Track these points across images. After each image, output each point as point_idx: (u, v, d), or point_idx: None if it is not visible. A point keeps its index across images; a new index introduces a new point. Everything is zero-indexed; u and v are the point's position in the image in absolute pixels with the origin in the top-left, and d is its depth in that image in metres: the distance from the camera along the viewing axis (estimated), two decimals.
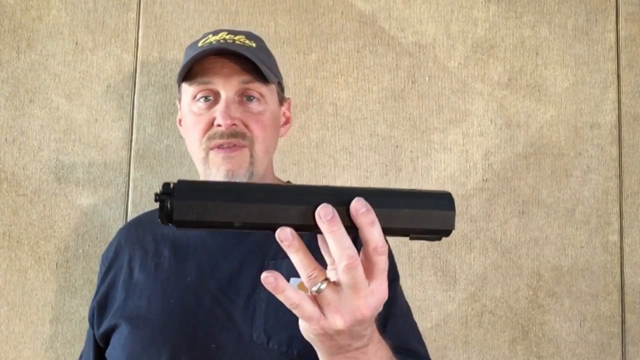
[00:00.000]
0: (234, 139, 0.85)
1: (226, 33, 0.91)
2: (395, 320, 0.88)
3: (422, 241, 1.31)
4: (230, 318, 0.82)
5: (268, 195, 0.52)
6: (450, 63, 1.35)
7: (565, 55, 1.37)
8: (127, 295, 0.88)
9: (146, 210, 1.27)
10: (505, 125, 1.35)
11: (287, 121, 0.99)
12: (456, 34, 1.36)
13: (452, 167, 1.33)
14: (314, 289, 0.50)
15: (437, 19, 1.36)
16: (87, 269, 1.24)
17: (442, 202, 0.54)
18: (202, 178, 0.92)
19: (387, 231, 0.51)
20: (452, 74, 1.35)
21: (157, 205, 0.52)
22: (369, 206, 0.49)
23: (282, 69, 1.31)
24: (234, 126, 0.85)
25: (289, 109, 1.00)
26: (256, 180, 0.89)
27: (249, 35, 0.93)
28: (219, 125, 0.85)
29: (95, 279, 1.24)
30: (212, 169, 0.87)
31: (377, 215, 0.50)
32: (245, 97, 0.88)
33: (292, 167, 1.29)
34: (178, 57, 1.29)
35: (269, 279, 0.50)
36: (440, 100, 1.34)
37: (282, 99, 0.97)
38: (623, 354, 1.32)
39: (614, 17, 1.39)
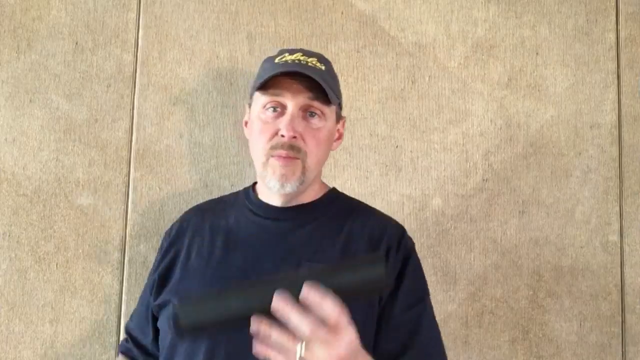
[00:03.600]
0: (291, 151, 0.96)
1: (301, 54, 1.01)
2: (415, 353, 0.93)
3: (422, 241, 1.31)
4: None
5: (242, 292, 0.71)
6: (450, 63, 1.35)
7: (565, 55, 1.37)
8: (182, 276, 0.99)
9: (146, 208, 1.27)
10: (505, 125, 1.35)
11: (340, 137, 1.09)
12: (456, 34, 1.36)
13: (452, 167, 1.33)
14: (297, 355, 0.66)
15: (437, 19, 1.36)
16: (87, 269, 1.24)
17: (372, 267, 0.69)
18: (258, 178, 1.05)
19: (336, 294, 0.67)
20: (452, 74, 1.35)
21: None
22: (314, 293, 0.66)
23: None
24: (294, 139, 0.96)
25: (343, 126, 1.09)
26: (305, 186, 0.99)
27: (321, 59, 1.04)
28: (282, 136, 0.96)
29: (95, 280, 1.24)
30: (269, 172, 0.97)
31: (323, 288, 0.66)
32: (308, 112, 0.98)
33: None
34: (178, 57, 1.29)
35: (279, 304, 0.66)
36: (440, 100, 1.34)
37: (339, 117, 1.07)
38: (623, 354, 1.32)
39: (614, 17, 1.39)
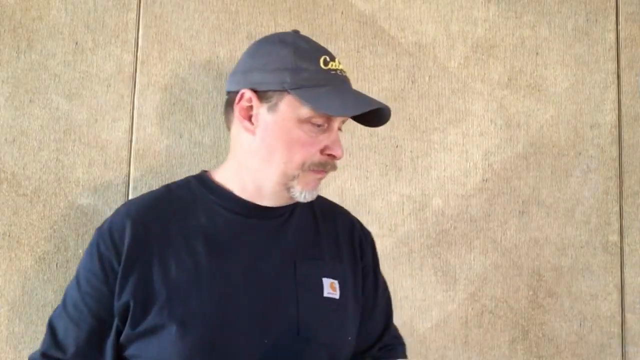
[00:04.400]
0: (331, 169, 0.94)
1: (338, 62, 0.96)
2: (380, 309, 1.07)
3: (422, 240, 1.31)
4: (277, 316, 0.90)
5: None
6: (450, 63, 1.35)
7: (565, 55, 1.37)
8: (170, 296, 0.87)
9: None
10: (505, 125, 1.35)
11: None
12: (456, 34, 1.36)
13: (452, 167, 1.33)
14: None
15: (437, 19, 1.36)
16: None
17: None
18: (273, 184, 0.93)
19: None
20: (452, 74, 1.35)
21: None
22: None
23: None
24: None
25: None
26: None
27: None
28: (332, 156, 0.92)
29: None
30: (301, 184, 0.92)
31: None
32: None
33: None
34: (178, 57, 1.29)
35: None
36: (440, 100, 1.34)
37: None
38: (623, 354, 1.32)
39: (614, 17, 1.39)
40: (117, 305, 0.89)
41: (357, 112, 0.90)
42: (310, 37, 1.32)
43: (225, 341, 0.87)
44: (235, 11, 1.31)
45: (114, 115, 1.27)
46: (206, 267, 0.89)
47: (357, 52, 1.33)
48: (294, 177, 0.91)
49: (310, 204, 1.00)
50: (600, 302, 1.32)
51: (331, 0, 1.34)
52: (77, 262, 1.24)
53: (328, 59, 0.93)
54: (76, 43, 1.27)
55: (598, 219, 1.35)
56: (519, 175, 1.34)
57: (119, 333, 0.90)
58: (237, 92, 0.94)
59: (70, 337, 0.92)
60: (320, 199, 1.06)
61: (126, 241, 0.90)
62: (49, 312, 1.22)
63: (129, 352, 0.89)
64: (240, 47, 1.31)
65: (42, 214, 1.23)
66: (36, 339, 1.22)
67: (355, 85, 1.32)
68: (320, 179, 0.94)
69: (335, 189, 1.29)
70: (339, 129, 0.95)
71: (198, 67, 1.30)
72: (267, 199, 0.95)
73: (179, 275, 0.88)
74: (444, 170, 1.33)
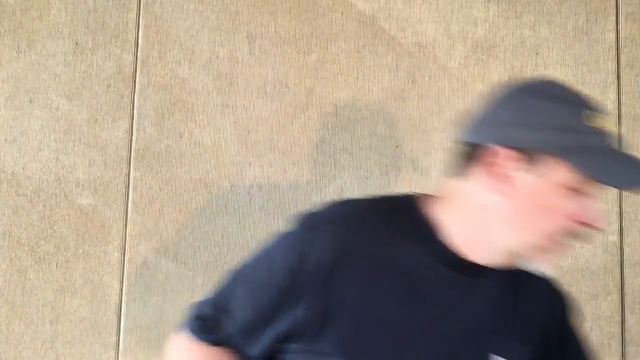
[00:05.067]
0: (579, 240, 0.81)
1: (604, 116, 0.80)
2: None
3: None
4: None
5: None
6: (450, 63, 1.35)
7: (565, 55, 1.37)
8: (356, 328, 0.79)
9: (146, 208, 1.26)
10: None
11: None
12: (456, 34, 1.36)
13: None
14: None
15: (437, 19, 1.36)
16: (87, 269, 1.24)
17: None
18: (510, 250, 0.81)
19: None
20: (452, 74, 1.35)
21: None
22: None
23: (282, 69, 1.31)
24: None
25: None
26: None
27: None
28: (589, 225, 0.77)
29: (95, 280, 1.24)
30: (540, 256, 0.80)
31: None
32: None
33: (292, 167, 1.29)
34: (178, 57, 1.29)
35: None
36: (440, 100, 1.34)
37: None
38: (623, 354, 1.32)
39: (614, 17, 1.39)
40: (295, 312, 0.80)
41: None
42: (310, 37, 1.33)
43: None
44: (235, 11, 1.31)
45: (114, 115, 1.27)
46: (397, 310, 0.80)
47: (357, 52, 1.33)
48: (538, 251, 0.79)
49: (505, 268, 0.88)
50: (600, 302, 1.32)
51: (331, 0, 1.34)
52: (77, 262, 1.24)
53: (591, 113, 0.78)
54: (76, 43, 1.27)
55: None
56: None
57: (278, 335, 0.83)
58: (486, 146, 0.79)
59: (241, 310, 0.85)
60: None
61: (330, 254, 0.80)
62: (49, 312, 1.22)
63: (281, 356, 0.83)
64: (240, 47, 1.31)
65: (42, 214, 1.23)
66: (36, 338, 1.22)
67: (355, 85, 1.32)
68: (565, 250, 0.80)
69: (335, 189, 1.29)
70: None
71: (198, 67, 1.30)
72: (484, 258, 0.82)
73: (371, 308, 0.79)
74: (444, 170, 1.33)
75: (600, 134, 0.77)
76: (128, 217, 1.26)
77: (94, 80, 1.27)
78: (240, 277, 0.88)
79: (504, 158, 0.78)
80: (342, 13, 1.34)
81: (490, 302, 0.85)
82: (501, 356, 0.83)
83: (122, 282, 1.25)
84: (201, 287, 1.24)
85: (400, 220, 0.84)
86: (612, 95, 1.37)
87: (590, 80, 1.37)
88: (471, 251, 0.82)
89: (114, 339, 1.24)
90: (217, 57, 1.30)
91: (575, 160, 0.75)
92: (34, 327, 1.21)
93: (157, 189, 1.27)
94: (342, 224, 0.82)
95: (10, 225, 1.23)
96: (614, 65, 1.38)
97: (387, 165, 1.32)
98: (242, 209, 1.27)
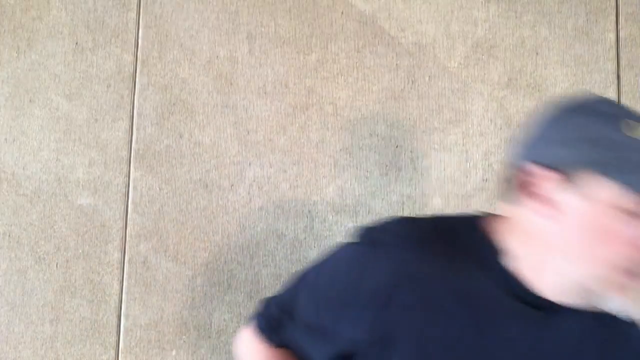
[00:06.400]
0: None
1: None
2: None
3: None
4: None
5: None
6: (450, 63, 1.35)
7: (565, 55, 1.37)
8: (418, 354, 0.73)
9: (146, 208, 1.26)
10: (505, 125, 1.35)
11: None
12: (456, 34, 1.36)
13: (452, 167, 1.33)
14: None
15: (437, 19, 1.36)
16: (87, 269, 1.24)
17: None
18: (567, 280, 0.72)
19: None
20: (452, 74, 1.35)
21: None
22: None
23: (282, 69, 1.31)
24: None
25: None
26: None
27: None
28: None
29: (95, 280, 1.24)
30: (611, 290, 0.70)
31: None
32: None
33: (292, 167, 1.29)
34: (178, 57, 1.29)
35: None
36: (440, 100, 1.34)
37: None
38: None
39: (614, 17, 1.39)
40: (354, 328, 0.77)
41: None
42: (310, 37, 1.33)
43: None
44: (235, 11, 1.31)
45: (114, 115, 1.27)
46: (463, 342, 0.73)
47: (357, 52, 1.33)
48: (611, 280, 0.69)
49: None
50: None
51: (331, 0, 1.34)
52: (77, 262, 1.24)
53: (633, 123, 0.70)
54: (76, 43, 1.27)
55: None
56: None
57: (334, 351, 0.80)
58: (522, 167, 0.74)
59: (304, 314, 0.83)
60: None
61: (381, 282, 0.76)
62: (49, 312, 1.22)
63: None
64: (240, 47, 1.31)
65: (42, 214, 1.23)
66: (36, 339, 1.22)
67: (355, 85, 1.32)
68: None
69: (335, 189, 1.29)
70: None
71: (198, 67, 1.30)
72: (555, 291, 0.74)
73: (434, 344, 0.74)
74: (444, 170, 1.33)
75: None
76: (128, 217, 1.26)
77: (94, 80, 1.27)
78: (303, 283, 0.85)
79: (540, 178, 0.71)
80: (342, 13, 1.34)
81: (568, 343, 0.75)
82: None
83: (122, 282, 1.25)
84: (201, 287, 1.25)
85: (462, 242, 0.77)
86: (612, 95, 1.37)
87: (590, 80, 1.37)
88: (540, 282, 0.74)
89: (114, 339, 1.24)
90: (217, 57, 1.30)
91: (619, 176, 0.66)
92: (34, 327, 1.21)
93: (157, 189, 1.27)
94: (403, 245, 0.77)
95: (10, 225, 1.23)
96: (614, 65, 1.38)
97: (387, 165, 1.32)
98: (242, 209, 1.27)
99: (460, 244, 0.77)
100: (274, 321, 0.87)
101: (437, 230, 0.79)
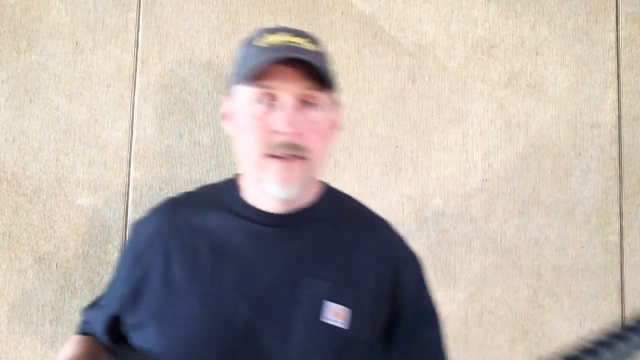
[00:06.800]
0: (293, 150, 0.83)
1: (288, 34, 0.87)
2: None
3: (422, 240, 1.31)
4: (264, 331, 0.83)
5: None
6: (450, 63, 1.35)
7: (565, 55, 1.37)
8: (162, 293, 0.86)
9: (146, 208, 1.26)
10: (505, 125, 1.35)
11: (338, 126, 0.96)
12: (456, 34, 1.36)
13: (452, 167, 1.33)
14: None
15: (437, 19, 1.36)
16: (87, 269, 1.24)
17: None
18: (249, 180, 0.90)
19: None
20: (452, 74, 1.35)
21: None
22: None
23: None
24: (293, 135, 0.83)
25: (339, 113, 0.97)
26: (304, 188, 0.88)
27: (311, 38, 0.89)
28: (278, 132, 0.82)
29: (95, 280, 1.24)
30: (268, 176, 0.84)
31: None
32: (305, 103, 0.85)
33: None
34: (178, 57, 1.29)
35: None
36: (440, 100, 1.34)
37: (336, 105, 0.94)
38: None
39: (614, 17, 1.39)
40: (119, 293, 0.92)
41: (269, 60, 0.81)
42: None
43: (203, 350, 0.82)
44: (235, 11, 1.31)
45: (114, 115, 1.27)
46: (205, 269, 0.86)
47: (357, 52, 1.33)
48: (260, 167, 0.84)
49: (342, 215, 0.93)
50: (600, 302, 1.32)
51: (331, 0, 1.34)
52: (77, 262, 1.24)
53: (269, 35, 0.86)
54: (76, 43, 1.27)
55: (598, 219, 1.35)
56: (519, 175, 1.34)
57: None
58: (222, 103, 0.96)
59: (104, 310, 0.98)
60: (360, 211, 0.98)
61: (142, 235, 0.93)
62: (49, 312, 1.22)
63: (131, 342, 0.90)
64: None
65: (42, 214, 1.23)
66: (36, 339, 1.22)
67: (355, 85, 1.32)
68: (285, 168, 0.83)
69: None
70: (308, 104, 0.85)
71: (198, 67, 1.30)
72: (269, 203, 0.89)
73: (177, 274, 0.86)
74: (444, 170, 1.33)
75: (267, 47, 0.84)
76: (128, 217, 1.26)
77: (94, 80, 1.27)
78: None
79: (223, 103, 0.93)
80: (342, 13, 1.34)
81: (305, 249, 0.88)
82: (337, 302, 0.85)
83: None
84: None
85: (217, 197, 0.94)
86: (612, 95, 1.37)
87: (590, 80, 1.37)
88: (254, 198, 0.90)
89: None
90: (217, 57, 1.30)
91: (240, 78, 0.85)
92: (34, 327, 1.21)
93: (157, 189, 1.27)
94: (158, 212, 0.96)
95: (10, 225, 1.23)
96: (614, 65, 1.38)
97: (387, 165, 1.32)
98: None
99: (215, 199, 0.93)
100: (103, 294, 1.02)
101: (190, 197, 0.98)
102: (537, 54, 1.37)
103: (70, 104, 1.26)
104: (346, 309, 0.85)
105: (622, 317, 1.33)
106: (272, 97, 0.84)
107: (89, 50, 1.27)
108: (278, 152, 0.83)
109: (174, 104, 1.28)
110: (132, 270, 0.91)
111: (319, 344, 0.83)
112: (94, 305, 1.03)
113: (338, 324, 0.84)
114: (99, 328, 0.96)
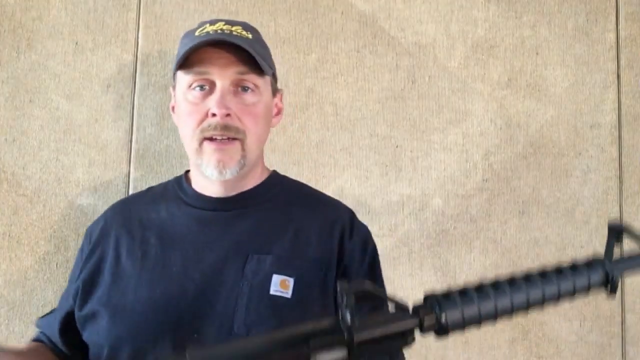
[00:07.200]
0: (227, 132, 0.87)
1: (224, 23, 0.92)
2: None
3: (422, 240, 1.31)
4: (212, 309, 0.85)
5: None
6: (450, 63, 1.35)
7: (565, 55, 1.37)
8: (112, 282, 0.89)
9: None
10: (505, 125, 1.35)
11: (279, 112, 1.00)
12: (456, 34, 1.36)
13: (452, 167, 1.33)
14: None
15: (437, 19, 1.36)
16: None
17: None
18: (192, 167, 0.96)
19: None
20: (452, 74, 1.35)
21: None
22: None
23: (282, 69, 1.31)
24: (227, 117, 0.87)
25: (281, 99, 1.01)
26: (246, 170, 0.92)
27: (246, 26, 0.94)
28: (213, 115, 0.87)
29: None
30: (204, 159, 0.89)
31: None
32: (240, 87, 0.90)
33: (292, 167, 1.29)
34: None
35: None
36: (440, 100, 1.34)
37: (275, 90, 0.98)
38: (623, 354, 1.32)
39: (614, 17, 1.39)
40: (73, 288, 0.94)
41: (197, 43, 0.86)
42: (310, 37, 1.33)
43: (152, 332, 0.84)
44: (235, 11, 1.31)
45: (114, 115, 1.27)
46: (152, 257, 0.89)
47: (357, 52, 1.33)
48: (198, 152, 0.89)
49: (288, 196, 0.97)
50: (600, 302, 1.32)
51: (331, 0, 1.34)
52: None
53: (208, 25, 0.92)
54: (76, 43, 1.27)
55: (598, 219, 1.34)
56: (519, 175, 1.34)
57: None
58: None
59: (57, 311, 0.99)
60: (308, 193, 1.02)
61: (95, 232, 0.97)
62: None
63: (84, 338, 0.91)
64: None
65: (42, 214, 1.23)
66: None
67: (355, 85, 1.32)
68: (220, 150, 0.87)
69: (335, 189, 1.29)
70: (243, 88, 0.89)
71: None
72: (212, 187, 0.93)
73: (126, 264, 0.90)
74: (444, 170, 1.33)
75: (203, 35, 0.88)
76: None
77: (94, 80, 1.27)
78: None
79: (172, 95, 0.97)
80: (342, 13, 1.34)
81: (251, 229, 0.91)
82: (281, 274, 0.88)
83: None
84: None
85: (162, 190, 0.99)
86: (612, 95, 1.37)
87: (590, 80, 1.37)
88: (203, 187, 0.93)
89: None
90: None
91: (177, 67, 0.89)
92: (33, 327, 1.21)
93: None
94: (110, 207, 1.01)
95: (10, 225, 1.23)
96: (614, 65, 1.38)
97: (387, 165, 1.32)
98: None
99: (166, 193, 0.98)
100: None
101: (140, 195, 1.03)
102: (537, 54, 1.37)
103: (70, 104, 1.26)
104: (289, 278, 0.87)
105: (622, 317, 1.33)
106: (208, 83, 0.88)
107: (89, 50, 1.27)
108: (212, 134, 0.87)
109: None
110: (84, 266, 0.94)
111: (266, 314, 0.85)
112: (46, 314, 1.04)
113: (283, 294, 0.87)
114: (54, 332, 0.97)
